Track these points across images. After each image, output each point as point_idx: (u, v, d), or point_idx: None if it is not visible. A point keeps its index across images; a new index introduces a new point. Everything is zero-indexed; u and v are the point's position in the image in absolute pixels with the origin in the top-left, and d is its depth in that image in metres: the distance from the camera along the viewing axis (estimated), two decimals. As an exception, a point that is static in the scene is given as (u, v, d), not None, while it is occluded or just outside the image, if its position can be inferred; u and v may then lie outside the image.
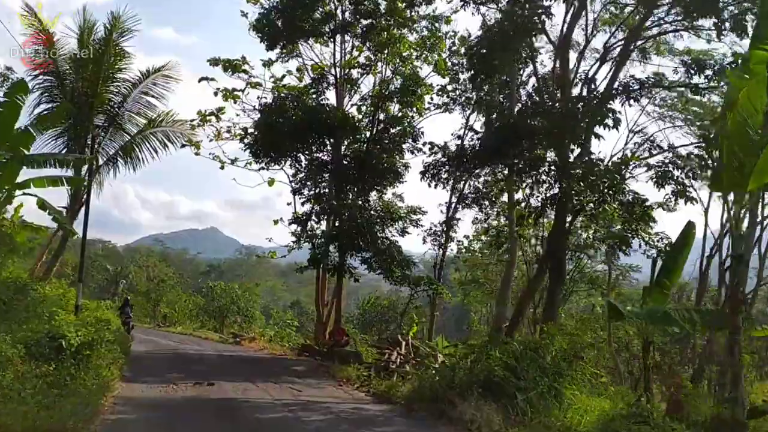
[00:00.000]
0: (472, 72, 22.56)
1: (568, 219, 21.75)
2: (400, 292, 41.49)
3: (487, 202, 28.19)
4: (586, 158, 20.75)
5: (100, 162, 24.51)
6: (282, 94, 27.22)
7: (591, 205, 20.47)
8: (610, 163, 21.34)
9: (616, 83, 21.43)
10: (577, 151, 21.13)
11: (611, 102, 20.81)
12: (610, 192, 19.66)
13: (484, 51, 20.59)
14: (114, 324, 23.67)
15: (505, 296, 23.68)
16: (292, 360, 24.52)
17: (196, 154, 27.06)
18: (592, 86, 21.82)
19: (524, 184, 23.22)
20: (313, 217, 27.21)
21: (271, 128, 25.28)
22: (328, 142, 27.50)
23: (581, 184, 19.41)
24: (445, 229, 29.27)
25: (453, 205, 29.11)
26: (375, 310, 49.86)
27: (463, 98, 27.85)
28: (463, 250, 32.71)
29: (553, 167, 20.97)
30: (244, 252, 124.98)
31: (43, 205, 19.06)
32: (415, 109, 27.26)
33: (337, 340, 23.69)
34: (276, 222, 28.06)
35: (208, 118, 26.50)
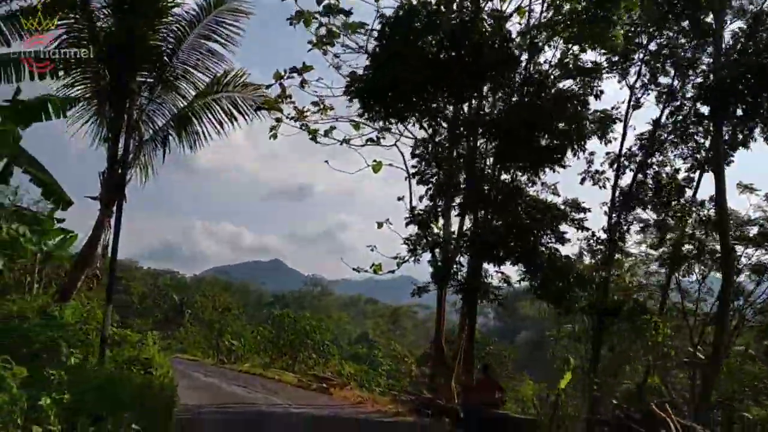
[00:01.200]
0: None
1: None
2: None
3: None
4: None
5: (144, 135, 16.84)
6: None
7: None
8: None
9: None
10: None
11: None
12: None
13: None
14: (159, 364, 15.76)
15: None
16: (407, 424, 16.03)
17: (273, 132, 18.86)
18: None
19: None
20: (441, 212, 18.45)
21: (395, 58, 15.76)
22: (476, 88, 17.63)
23: None
24: (609, 236, 20.35)
25: (620, 203, 20.34)
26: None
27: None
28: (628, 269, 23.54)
29: None
30: (309, 283, 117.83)
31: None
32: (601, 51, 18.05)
33: (485, 397, 14.84)
34: (380, 225, 19.45)
35: (289, 76, 18.07)
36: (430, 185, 18.63)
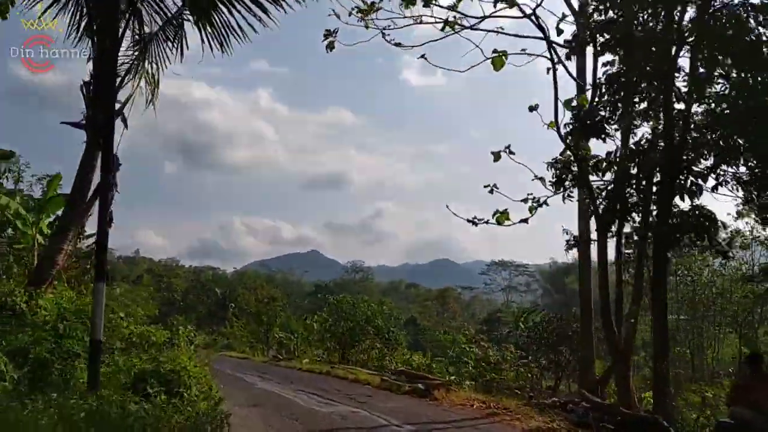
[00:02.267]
0: None
1: None
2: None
3: None
4: None
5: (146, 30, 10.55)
6: None
7: None
8: None
9: None
10: None
11: None
12: None
13: None
14: (194, 378, 9.52)
15: None
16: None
17: (329, 41, 12.10)
18: None
19: None
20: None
21: None
22: None
23: None
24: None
25: None
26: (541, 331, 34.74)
27: None
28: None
29: None
30: (349, 269, 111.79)
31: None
32: None
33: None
34: (533, 108, 11.89)
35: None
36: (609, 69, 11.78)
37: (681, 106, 12.11)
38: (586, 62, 14.77)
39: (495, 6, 11.27)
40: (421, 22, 11.93)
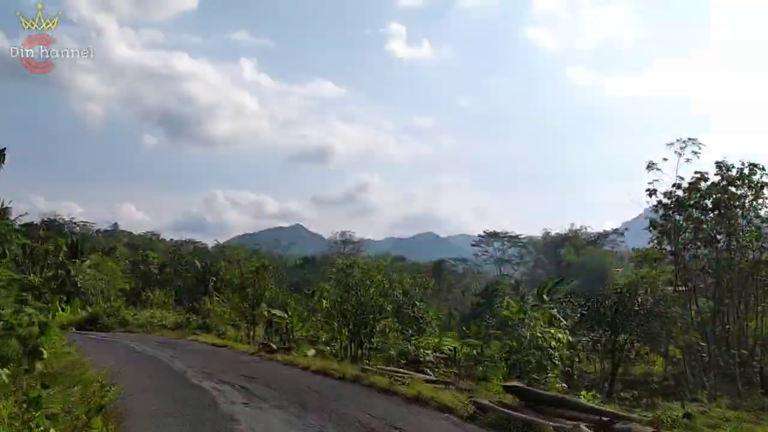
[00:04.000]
0: None
1: None
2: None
3: None
4: None
5: None
6: None
7: None
8: None
9: None
10: None
11: None
12: None
13: None
14: None
15: None
16: None
17: None
18: None
19: None
20: None
21: None
22: None
23: None
24: None
25: None
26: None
27: None
28: None
29: None
30: (339, 240, 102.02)
31: None
32: None
33: None
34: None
35: None
36: None
37: None
38: None
39: None
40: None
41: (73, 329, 34.35)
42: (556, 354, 16.52)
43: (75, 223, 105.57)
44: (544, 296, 41.02)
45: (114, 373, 8.70)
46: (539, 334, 17.90)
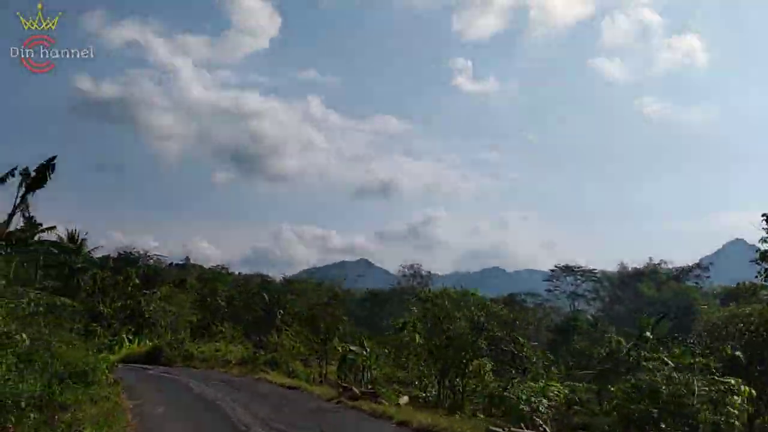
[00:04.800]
0: None
1: None
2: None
3: None
4: None
5: None
6: None
7: None
8: None
9: None
10: None
11: None
12: None
13: None
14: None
15: None
16: None
17: None
18: None
19: None
20: None
21: None
22: None
23: None
24: None
25: None
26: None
27: None
28: None
29: None
30: (407, 274, 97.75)
31: None
32: None
33: None
34: None
35: None
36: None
37: None
38: None
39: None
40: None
41: (129, 364, 31.65)
42: (735, 412, 12.08)
43: (149, 256, 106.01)
44: (648, 334, 35.64)
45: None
46: (678, 382, 13.52)
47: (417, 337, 21.72)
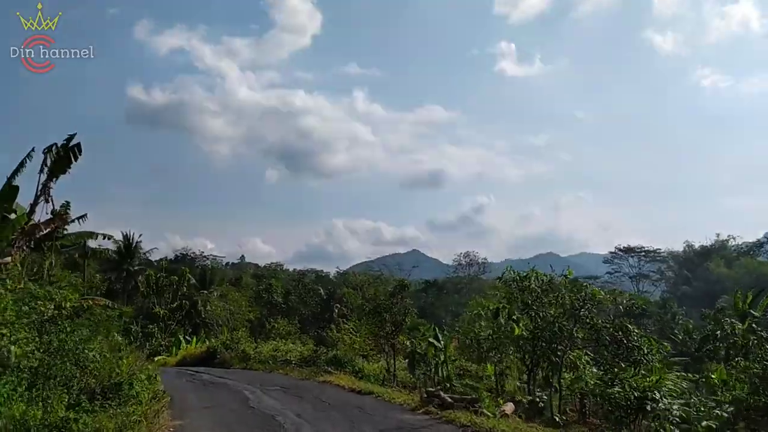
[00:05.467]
0: None
1: None
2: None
3: None
4: None
5: None
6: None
7: None
8: None
9: None
10: None
11: None
12: None
13: None
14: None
15: None
16: None
17: None
18: None
19: None
20: None
21: None
22: None
23: None
24: None
25: None
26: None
27: None
28: None
29: None
30: (464, 263, 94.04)
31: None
32: None
33: None
34: None
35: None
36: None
37: None
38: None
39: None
40: None
41: (184, 366, 29.39)
42: None
43: (205, 256, 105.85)
44: (755, 312, 31.16)
45: None
46: None
47: (517, 328, 18.33)
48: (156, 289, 50.32)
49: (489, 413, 11.45)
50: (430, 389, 13.75)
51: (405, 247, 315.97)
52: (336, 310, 64.58)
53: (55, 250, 17.12)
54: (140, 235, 53.84)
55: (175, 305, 49.62)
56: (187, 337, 44.17)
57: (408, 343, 25.10)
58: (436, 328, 25.97)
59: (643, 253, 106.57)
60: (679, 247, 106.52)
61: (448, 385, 20.72)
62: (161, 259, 76.62)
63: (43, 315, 11.30)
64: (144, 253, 59.20)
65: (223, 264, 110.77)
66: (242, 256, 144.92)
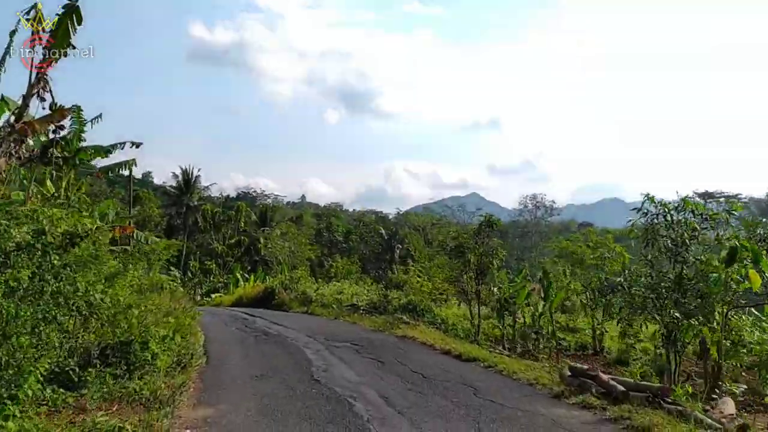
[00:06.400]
0: None
1: None
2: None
3: None
4: None
5: None
6: None
7: None
8: None
9: None
10: None
11: None
12: None
13: None
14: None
15: None
16: None
17: None
18: None
19: None
20: None
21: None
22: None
23: None
24: None
25: None
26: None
27: None
28: None
29: None
30: (531, 206, 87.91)
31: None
32: None
33: None
34: None
35: None
36: None
37: None
38: None
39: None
40: None
41: (239, 308, 26.08)
42: None
43: (266, 195, 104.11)
44: None
45: None
46: None
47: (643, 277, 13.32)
48: (213, 223, 47.46)
49: (701, 415, 6.87)
50: (576, 365, 9.23)
51: (464, 191, 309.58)
52: (398, 251, 60.94)
53: (71, 165, 13.22)
54: (199, 170, 51.13)
55: (233, 241, 46.80)
56: (245, 274, 41.39)
57: (495, 290, 20.77)
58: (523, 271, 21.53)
59: (723, 198, 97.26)
60: (760, 194, 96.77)
61: (554, 342, 16.32)
62: (222, 196, 74.61)
63: (8, 241, 7.33)
64: (204, 188, 56.74)
65: (284, 203, 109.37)
66: (303, 195, 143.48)
